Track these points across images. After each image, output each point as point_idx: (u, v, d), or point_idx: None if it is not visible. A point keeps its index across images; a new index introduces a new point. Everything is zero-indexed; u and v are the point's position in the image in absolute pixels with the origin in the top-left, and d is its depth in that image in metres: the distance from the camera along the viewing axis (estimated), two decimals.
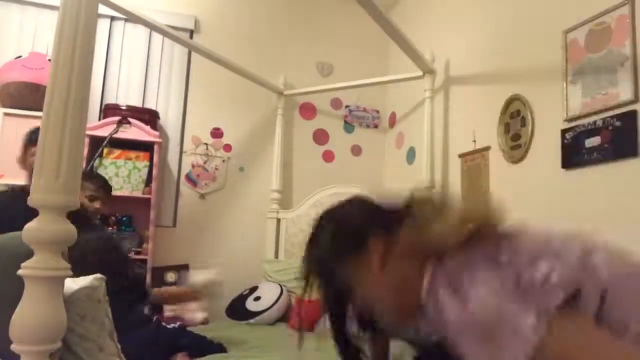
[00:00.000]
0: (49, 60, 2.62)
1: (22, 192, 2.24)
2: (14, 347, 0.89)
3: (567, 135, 1.93)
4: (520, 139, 2.22)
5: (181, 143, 3.33)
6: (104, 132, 2.86)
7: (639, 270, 0.79)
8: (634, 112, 1.67)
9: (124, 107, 3.02)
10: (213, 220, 3.33)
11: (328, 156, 3.69)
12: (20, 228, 0.98)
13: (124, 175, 2.91)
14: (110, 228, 2.96)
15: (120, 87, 3.19)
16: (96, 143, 2.86)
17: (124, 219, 3.02)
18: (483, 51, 2.61)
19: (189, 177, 3.33)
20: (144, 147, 3.00)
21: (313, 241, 1.05)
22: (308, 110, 3.70)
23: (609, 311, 0.73)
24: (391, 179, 3.68)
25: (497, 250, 0.81)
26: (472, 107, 2.68)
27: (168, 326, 2.01)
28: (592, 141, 1.81)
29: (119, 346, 1.23)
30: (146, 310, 2.09)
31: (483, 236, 0.84)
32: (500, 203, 0.88)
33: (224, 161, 3.43)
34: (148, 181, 2.98)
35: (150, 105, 3.22)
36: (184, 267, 3.11)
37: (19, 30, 3.02)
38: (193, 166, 3.34)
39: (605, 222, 1.63)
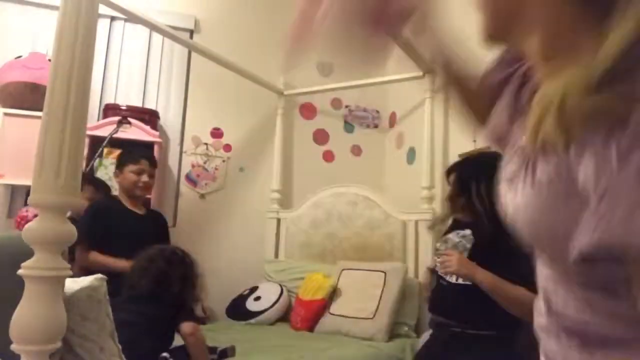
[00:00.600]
0: (49, 60, 2.62)
1: (116, 201, 2.53)
2: (14, 347, 0.89)
3: None
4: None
5: (181, 143, 3.33)
6: (104, 132, 2.86)
7: None
8: None
9: (124, 107, 3.02)
10: (213, 220, 3.33)
11: (328, 156, 3.69)
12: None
13: None
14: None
15: (120, 87, 3.19)
16: (96, 143, 2.86)
17: None
18: (483, 51, 2.60)
19: (189, 177, 3.32)
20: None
21: None
22: (308, 110, 3.70)
23: None
24: (391, 179, 3.68)
25: None
26: None
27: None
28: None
29: (120, 346, 1.23)
30: None
31: None
32: None
33: (224, 161, 3.43)
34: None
35: (150, 105, 3.22)
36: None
37: (19, 30, 3.02)
38: (193, 166, 3.34)
39: None
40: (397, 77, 3.21)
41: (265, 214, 3.34)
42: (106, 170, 2.90)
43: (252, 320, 2.73)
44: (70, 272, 0.98)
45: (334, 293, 2.64)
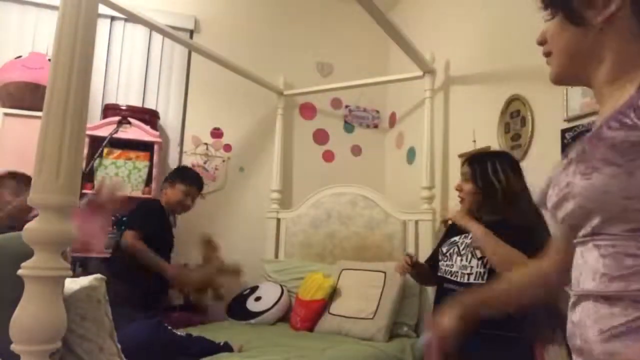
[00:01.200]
0: (49, 60, 2.62)
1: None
2: (14, 347, 0.89)
3: (567, 135, 1.93)
4: (520, 139, 2.22)
5: (181, 143, 3.33)
6: (104, 132, 2.86)
7: None
8: None
9: (124, 107, 3.02)
10: (213, 220, 3.32)
11: (328, 156, 3.69)
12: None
13: (124, 175, 2.91)
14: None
15: (120, 87, 3.19)
16: (96, 143, 2.86)
17: (124, 219, 3.01)
18: (483, 51, 2.61)
19: None
20: (144, 147, 3.00)
21: None
22: (308, 110, 3.70)
23: None
24: (391, 179, 3.68)
25: None
26: (472, 107, 2.68)
27: (176, 332, 2.02)
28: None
29: (119, 346, 1.23)
30: None
31: None
32: None
33: (224, 161, 3.43)
34: (148, 181, 2.98)
35: (150, 105, 3.22)
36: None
37: (19, 30, 3.02)
38: (193, 166, 3.34)
39: None
40: (397, 77, 3.22)
41: (265, 214, 3.34)
42: (106, 170, 2.90)
43: (253, 321, 2.72)
44: (70, 272, 0.98)
45: (333, 293, 2.64)
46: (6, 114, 2.68)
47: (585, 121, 1.86)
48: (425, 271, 2.10)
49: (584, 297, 0.75)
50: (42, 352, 0.91)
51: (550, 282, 0.98)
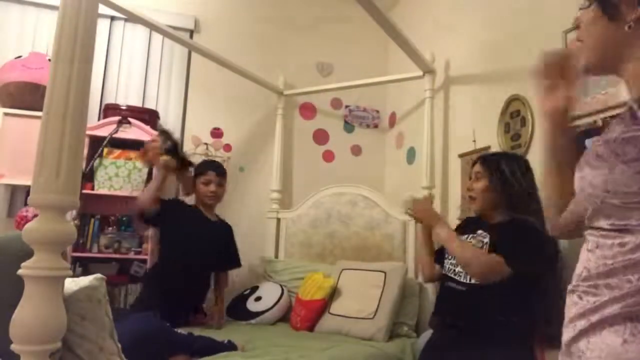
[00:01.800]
0: (49, 60, 2.62)
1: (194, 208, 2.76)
2: (14, 347, 0.89)
3: (595, 140, 1.92)
4: (520, 139, 2.22)
5: (181, 143, 3.33)
6: (104, 132, 2.86)
7: None
8: None
9: (124, 107, 3.02)
10: None
11: (328, 156, 3.69)
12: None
13: (124, 175, 2.91)
14: (109, 228, 2.97)
15: (120, 87, 3.19)
16: (96, 143, 2.86)
17: (124, 218, 3.02)
18: (483, 51, 2.61)
19: None
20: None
21: None
22: (308, 110, 3.70)
23: None
24: (391, 179, 3.68)
25: None
26: (472, 107, 2.68)
27: (177, 331, 2.02)
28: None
29: (119, 346, 1.22)
30: None
31: None
32: None
33: (224, 161, 3.42)
34: (148, 181, 2.97)
35: (150, 105, 3.22)
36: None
37: (19, 30, 3.02)
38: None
39: None
40: (397, 77, 3.22)
41: (265, 214, 3.34)
42: (106, 170, 2.90)
43: (253, 321, 2.72)
44: (70, 272, 0.98)
45: (333, 293, 2.64)
46: (6, 114, 2.68)
47: (585, 121, 1.86)
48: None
49: (571, 291, 0.76)
50: (42, 352, 0.91)
51: None
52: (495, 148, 2.40)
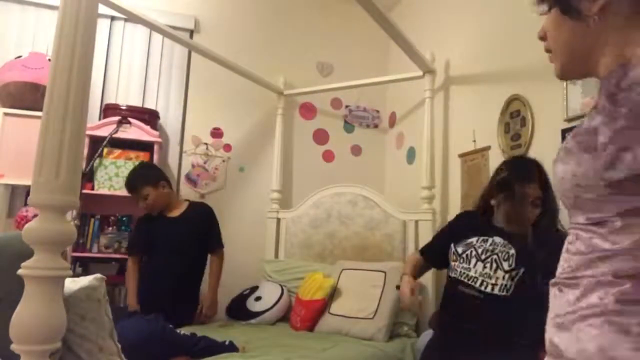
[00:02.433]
0: (49, 60, 2.62)
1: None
2: (14, 347, 0.89)
3: (567, 135, 1.92)
4: (520, 139, 2.22)
5: (181, 143, 3.33)
6: (104, 132, 2.86)
7: None
8: None
9: (124, 107, 3.02)
10: None
11: (328, 156, 3.69)
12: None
13: (124, 175, 2.90)
14: (109, 228, 2.97)
15: (120, 87, 3.19)
16: (96, 143, 2.86)
17: (124, 218, 3.02)
18: (483, 51, 2.61)
19: (189, 177, 3.32)
20: (144, 147, 3.00)
21: None
22: (308, 110, 3.70)
23: None
24: (391, 179, 3.68)
25: None
26: (472, 107, 2.68)
27: (179, 331, 2.02)
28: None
29: (119, 346, 1.23)
30: None
31: None
32: None
33: (224, 161, 3.43)
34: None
35: (150, 105, 3.22)
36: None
37: (19, 30, 3.02)
38: (193, 166, 3.34)
39: None
40: (397, 77, 3.22)
41: (265, 214, 3.34)
42: (106, 170, 2.90)
43: (253, 321, 2.72)
44: (70, 272, 0.98)
45: (334, 293, 2.64)
46: (6, 114, 2.67)
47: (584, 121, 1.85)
48: (423, 270, 2.10)
49: (553, 284, 0.76)
50: (42, 352, 0.91)
51: None
52: (495, 148, 2.40)
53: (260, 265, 3.18)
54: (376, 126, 3.81)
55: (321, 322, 2.58)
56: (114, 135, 2.86)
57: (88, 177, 2.84)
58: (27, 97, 2.67)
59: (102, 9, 2.41)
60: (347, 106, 3.76)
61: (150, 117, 3.07)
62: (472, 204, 2.02)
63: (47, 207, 0.93)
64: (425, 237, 2.78)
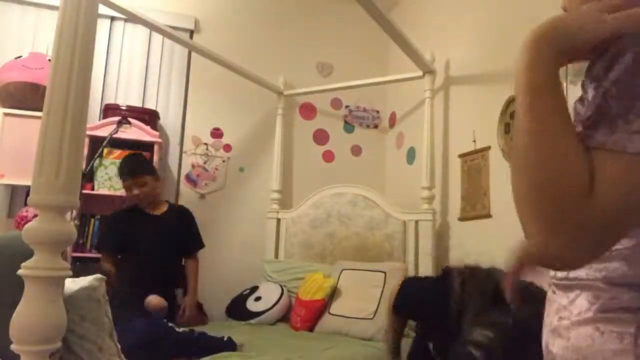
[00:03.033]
0: (49, 60, 2.62)
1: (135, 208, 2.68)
2: (14, 347, 0.89)
3: None
4: None
5: (181, 143, 3.33)
6: (104, 132, 2.86)
7: None
8: None
9: (124, 107, 3.02)
10: (213, 220, 3.32)
11: (328, 156, 3.69)
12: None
13: None
14: None
15: (120, 87, 3.19)
16: (96, 143, 2.86)
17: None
18: (483, 51, 2.61)
19: (189, 177, 3.32)
20: (144, 147, 3.00)
21: None
22: (308, 110, 3.70)
23: None
24: (391, 179, 3.68)
25: None
26: (472, 107, 2.68)
27: (177, 329, 2.02)
28: None
29: (119, 346, 1.23)
30: None
31: None
32: None
33: (224, 161, 3.43)
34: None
35: (150, 105, 3.22)
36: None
37: (19, 30, 3.02)
38: (193, 166, 3.34)
39: None
40: (397, 77, 3.22)
41: (265, 214, 3.34)
42: (106, 170, 2.90)
43: (253, 321, 2.72)
44: (70, 272, 0.98)
45: (333, 293, 2.64)
46: (6, 114, 2.68)
47: None
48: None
49: (549, 283, 0.74)
50: (42, 352, 0.91)
51: None
52: (495, 148, 2.40)
53: (260, 265, 3.18)
54: (376, 126, 3.81)
55: (321, 322, 2.58)
56: (114, 136, 2.85)
57: (88, 177, 2.84)
58: (27, 97, 2.68)
59: (102, 9, 2.40)
60: (347, 106, 3.76)
61: (150, 117, 3.08)
62: None
63: (47, 207, 0.93)
64: (425, 237, 2.79)
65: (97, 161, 2.87)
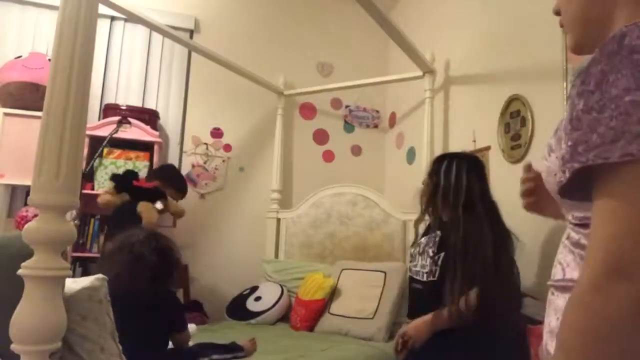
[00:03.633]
0: (49, 60, 2.62)
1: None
2: (14, 347, 0.89)
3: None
4: (520, 139, 2.22)
5: (181, 143, 3.33)
6: (104, 132, 2.86)
7: None
8: None
9: (124, 107, 3.02)
10: (213, 220, 3.32)
11: (328, 156, 3.69)
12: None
13: None
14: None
15: (120, 87, 3.19)
16: (96, 143, 2.86)
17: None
18: (483, 51, 2.61)
19: (189, 177, 3.32)
20: (144, 147, 3.00)
21: None
22: (308, 110, 3.70)
23: None
24: (391, 179, 3.68)
25: None
26: (472, 107, 2.68)
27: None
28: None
29: (120, 347, 1.22)
30: None
31: None
32: None
33: (224, 161, 3.43)
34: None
35: (150, 105, 3.22)
36: (184, 268, 3.11)
37: (19, 30, 3.02)
38: (193, 166, 3.34)
39: None
40: (397, 77, 3.22)
41: (265, 214, 3.34)
42: (106, 170, 2.90)
43: (253, 321, 2.72)
44: (70, 272, 0.98)
45: (333, 293, 2.64)
46: (6, 114, 2.67)
47: None
48: None
49: (548, 286, 0.74)
50: (42, 352, 0.91)
51: None
52: (495, 148, 2.40)
53: (260, 265, 3.18)
54: (376, 126, 3.81)
55: (321, 322, 2.58)
56: (114, 136, 2.86)
57: (88, 177, 2.84)
58: (27, 97, 2.67)
59: (102, 9, 2.40)
60: (347, 106, 3.76)
61: (150, 117, 3.07)
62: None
63: (47, 207, 0.93)
64: None
65: (97, 161, 2.87)
